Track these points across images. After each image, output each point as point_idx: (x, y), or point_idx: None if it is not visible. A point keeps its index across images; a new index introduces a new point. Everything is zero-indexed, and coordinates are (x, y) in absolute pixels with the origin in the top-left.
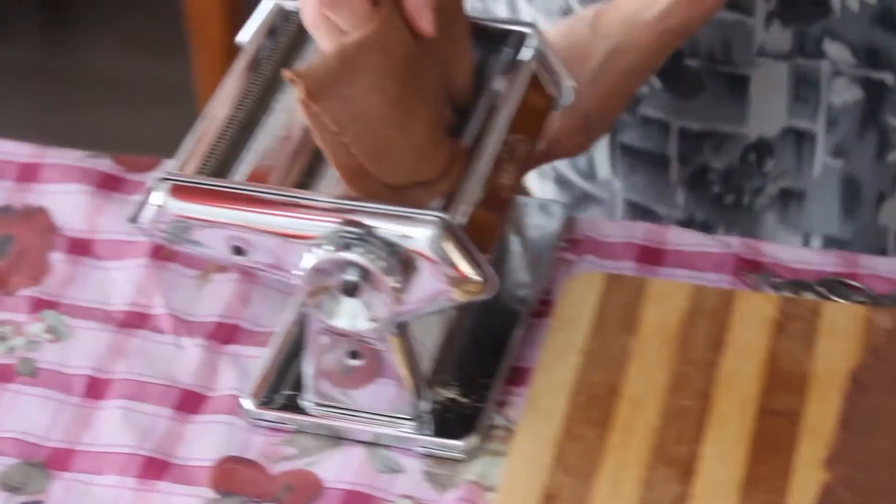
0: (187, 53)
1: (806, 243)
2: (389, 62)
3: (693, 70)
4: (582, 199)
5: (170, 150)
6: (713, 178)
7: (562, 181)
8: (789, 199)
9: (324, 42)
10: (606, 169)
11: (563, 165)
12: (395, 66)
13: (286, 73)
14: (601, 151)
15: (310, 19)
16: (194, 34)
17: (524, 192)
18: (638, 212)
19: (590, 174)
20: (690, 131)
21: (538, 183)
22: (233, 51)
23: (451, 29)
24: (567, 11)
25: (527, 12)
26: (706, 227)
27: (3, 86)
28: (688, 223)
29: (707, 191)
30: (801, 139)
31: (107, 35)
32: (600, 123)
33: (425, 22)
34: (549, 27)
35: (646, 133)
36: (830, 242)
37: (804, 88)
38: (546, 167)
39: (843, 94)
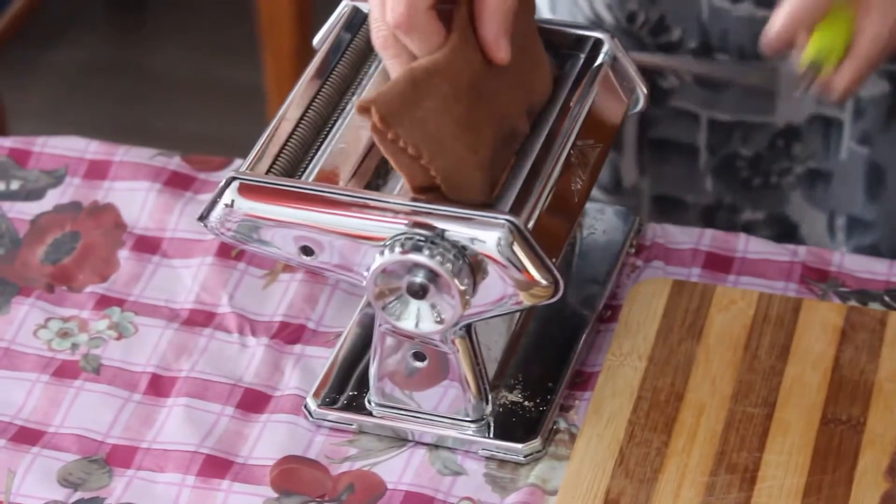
0: (259, 55)
1: (831, 222)
2: (457, 86)
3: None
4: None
5: (239, 151)
6: (741, 164)
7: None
8: (816, 178)
9: (392, 65)
10: (633, 174)
11: None
12: (463, 89)
13: (357, 105)
14: (628, 159)
15: (380, 41)
16: (266, 36)
17: None
18: (665, 204)
19: (615, 187)
20: (720, 122)
21: None
22: (303, 53)
23: (526, 43)
24: (596, 22)
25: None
26: (733, 210)
27: (75, 84)
28: (716, 207)
29: (735, 176)
30: (828, 125)
31: (179, 36)
32: None
33: (502, 52)
34: None
35: (675, 125)
36: (854, 222)
37: None
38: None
39: (871, 87)
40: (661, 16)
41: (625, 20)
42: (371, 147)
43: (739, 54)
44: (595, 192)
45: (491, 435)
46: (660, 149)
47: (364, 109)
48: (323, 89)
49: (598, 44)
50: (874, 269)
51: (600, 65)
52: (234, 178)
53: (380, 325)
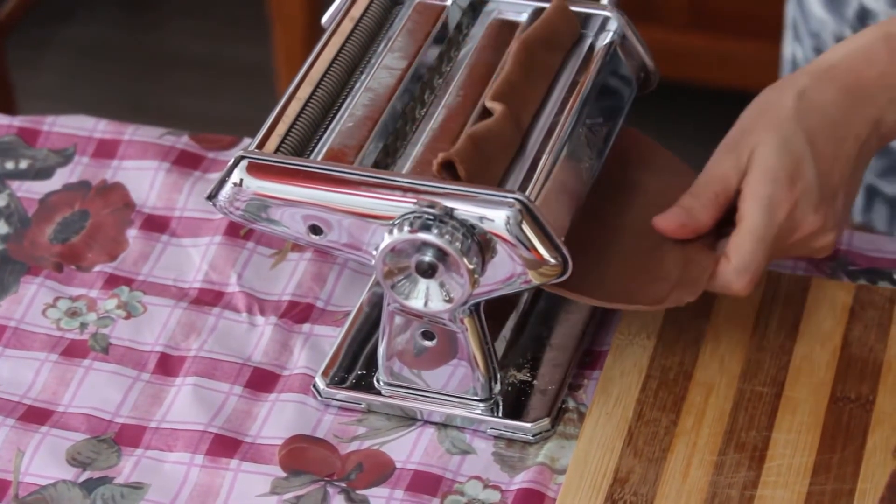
0: (268, 34)
1: None
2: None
3: None
4: (892, 167)
5: (248, 131)
6: None
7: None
8: None
9: None
10: None
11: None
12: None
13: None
14: None
15: None
16: (276, 15)
17: None
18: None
19: None
20: None
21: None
22: (313, 32)
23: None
24: None
25: None
26: None
27: (85, 63)
28: None
29: None
30: None
31: (188, 15)
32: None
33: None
34: None
35: None
36: None
37: None
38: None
39: None
40: None
41: None
42: (382, 126)
43: None
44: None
45: (500, 414)
46: None
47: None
48: (332, 68)
49: (606, 22)
50: (884, 247)
51: (609, 43)
52: (242, 157)
53: (388, 305)
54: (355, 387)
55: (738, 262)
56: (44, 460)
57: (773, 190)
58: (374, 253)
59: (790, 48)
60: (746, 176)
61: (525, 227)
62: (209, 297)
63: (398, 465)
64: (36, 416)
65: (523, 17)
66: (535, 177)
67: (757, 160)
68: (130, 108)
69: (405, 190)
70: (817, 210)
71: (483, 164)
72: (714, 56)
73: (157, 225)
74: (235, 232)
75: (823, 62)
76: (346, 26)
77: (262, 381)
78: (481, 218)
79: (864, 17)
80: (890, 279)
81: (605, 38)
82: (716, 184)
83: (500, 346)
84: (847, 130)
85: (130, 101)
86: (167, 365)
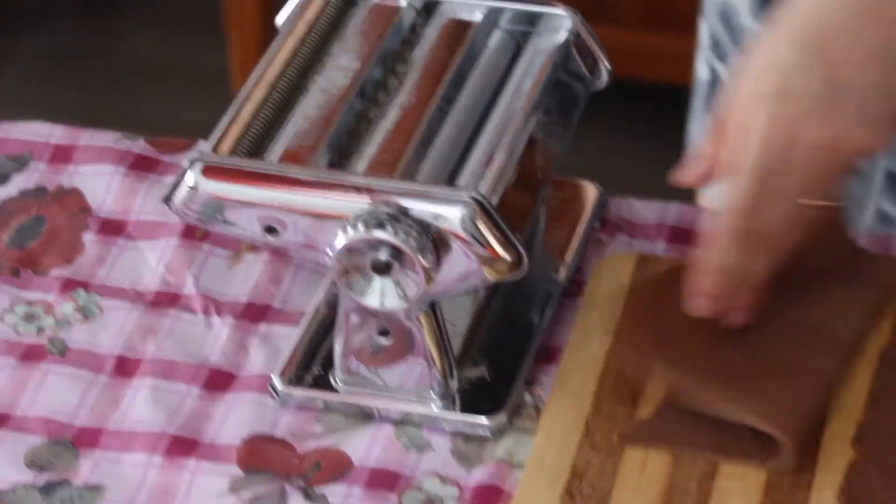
0: (222, 37)
1: None
2: None
3: None
4: None
5: (204, 134)
6: None
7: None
8: None
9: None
10: None
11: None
12: None
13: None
14: None
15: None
16: (229, 17)
17: None
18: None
19: None
20: None
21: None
22: (268, 34)
23: None
24: None
25: None
26: None
27: (39, 69)
28: None
29: None
30: None
31: (143, 19)
32: None
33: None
34: None
35: None
36: None
37: None
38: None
39: None
40: None
41: None
42: (337, 127)
43: None
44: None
45: (457, 410)
46: None
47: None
48: (286, 70)
49: (560, 20)
50: None
51: (563, 41)
52: (197, 160)
53: (344, 303)
54: (312, 386)
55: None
56: (3, 464)
57: (751, 114)
58: (330, 252)
59: (707, 68)
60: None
61: (480, 225)
62: (166, 299)
63: (356, 462)
64: None
65: (477, 17)
66: (490, 174)
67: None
68: (87, 114)
69: (360, 189)
70: (827, 116)
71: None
72: (666, 54)
73: (113, 228)
74: (192, 234)
75: None
76: (301, 28)
77: (219, 381)
78: (436, 216)
79: None
80: None
81: (560, 37)
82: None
83: (457, 342)
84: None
85: (88, 107)
86: (124, 367)
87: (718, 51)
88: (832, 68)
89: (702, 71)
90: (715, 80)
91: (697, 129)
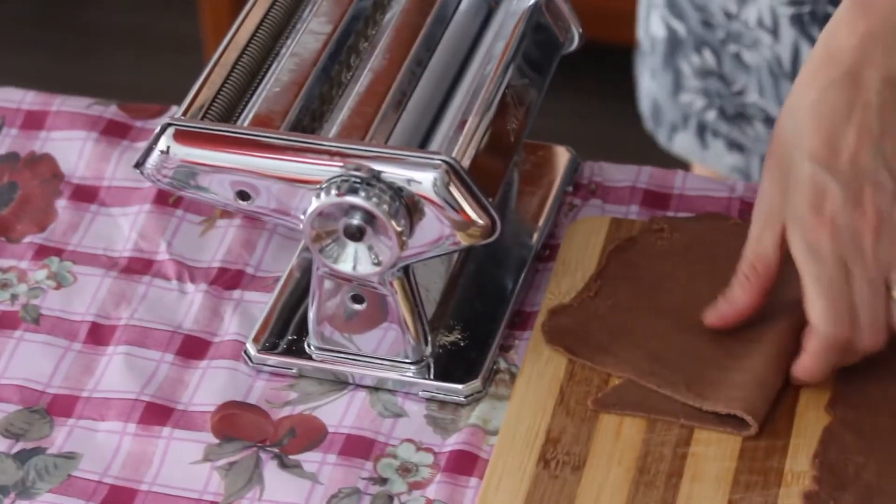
0: (195, 2)
1: None
2: None
3: None
4: None
5: (177, 100)
6: None
7: (769, 122)
8: None
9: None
10: None
11: (771, 107)
12: None
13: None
14: None
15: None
16: None
17: None
18: None
19: None
20: None
21: (747, 126)
22: (239, 1)
23: None
24: None
25: None
26: None
27: (12, 37)
28: None
29: None
30: None
31: None
32: None
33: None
34: None
35: None
36: None
37: None
38: (754, 109)
39: None
40: None
41: None
42: (308, 90)
43: None
44: (774, 114)
45: (431, 376)
46: None
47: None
48: (257, 33)
49: None
50: None
51: (535, 4)
52: (168, 125)
53: (318, 269)
54: (286, 352)
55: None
56: None
57: (804, 228)
58: (302, 217)
59: (663, 26)
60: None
61: (452, 189)
62: (139, 266)
63: (330, 429)
64: None
65: None
66: (462, 138)
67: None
68: (57, 83)
69: (332, 154)
70: (856, 208)
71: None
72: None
73: (86, 195)
74: (164, 200)
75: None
76: None
77: (193, 348)
78: (409, 180)
79: None
80: None
81: (531, 0)
82: (749, 255)
83: (431, 308)
84: (851, 108)
85: (57, 76)
86: (98, 334)
87: (675, 9)
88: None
89: (657, 29)
90: (674, 38)
91: (652, 86)
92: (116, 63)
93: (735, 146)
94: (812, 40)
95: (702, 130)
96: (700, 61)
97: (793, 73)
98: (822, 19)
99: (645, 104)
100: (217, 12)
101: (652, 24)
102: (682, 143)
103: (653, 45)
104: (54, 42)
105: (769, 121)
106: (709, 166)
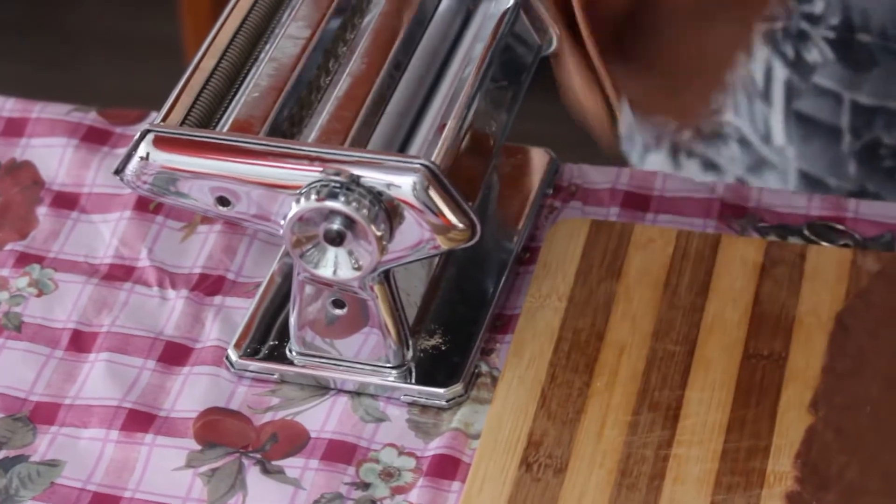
0: (174, 8)
1: None
2: None
3: (865, 45)
4: (759, 163)
5: (157, 104)
6: (885, 153)
7: (743, 142)
8: None
9: None
10: (781, 135)
11: (745, 127)
12: None
13: None
14: (776, 117)
15: None
16: None
17: None
18: (810, 182)
19: (766, 138)
20: (862, 105)
21: (722, 146)
22: (220, 3)
23: None
24: None
25: None
26: (876, 199)
27: None
28: (859, 195)
29: (878, 164)
30: None
31: None
32: None
33: None
34: None
35: (819, 103)
36: None
37: None
38: (730, 128)
39: None
40: None
41: None
42: (287, 95)
43: (881, 34)
44: (752, 139)
45: (413, 380)
46: (805, 125)
47: None
48: (236, 38)
49: None
50: (793, 203)
51: (513, 6)
52: (148, 131)
53: (298, 274)
54: (268, 358)
55: None
56: None
57: None
58: (283, 223)
59: None
60: None
61: (432, 193)
62: (120, 273)
63: (313, 434)
64: None
65: None
66: (441, 142)
67: None
68: (40, 86)
69: (311, 159)
70: None
71: None
72: None
73: (66, 202)
74: (145, 206)
75: None
76: None
77: (174, 354)
78: (388, 185)
79: None
80: (800, 234)
81: (508, 2)
82: None
83: (412, 312)
84: None
85: (40, 79)
86: (80, 341)
87: None
88: None
89: None
90: None
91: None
92: (98, 67)
93: (710, 166)
94: (784, 58)
95: (675, 151)
96: None
97: (765, 93)
98: (795, 36)
99: (624, 125)
100: (198, 16)
101: None
102: (654, 164)
103: None
104: (34, 46)
105: (743, 141)
106: None
